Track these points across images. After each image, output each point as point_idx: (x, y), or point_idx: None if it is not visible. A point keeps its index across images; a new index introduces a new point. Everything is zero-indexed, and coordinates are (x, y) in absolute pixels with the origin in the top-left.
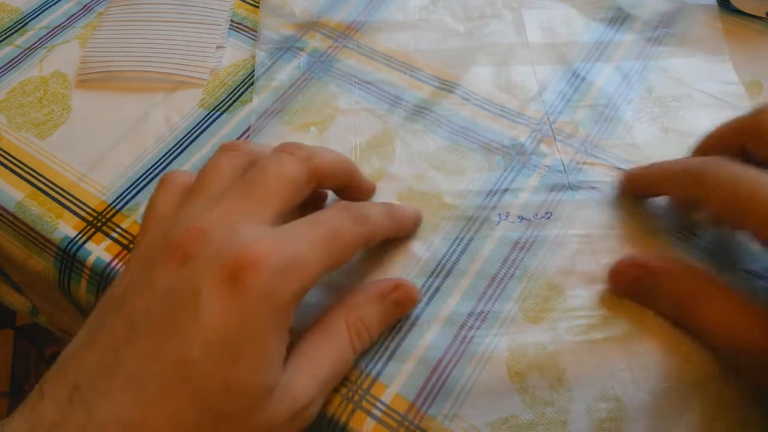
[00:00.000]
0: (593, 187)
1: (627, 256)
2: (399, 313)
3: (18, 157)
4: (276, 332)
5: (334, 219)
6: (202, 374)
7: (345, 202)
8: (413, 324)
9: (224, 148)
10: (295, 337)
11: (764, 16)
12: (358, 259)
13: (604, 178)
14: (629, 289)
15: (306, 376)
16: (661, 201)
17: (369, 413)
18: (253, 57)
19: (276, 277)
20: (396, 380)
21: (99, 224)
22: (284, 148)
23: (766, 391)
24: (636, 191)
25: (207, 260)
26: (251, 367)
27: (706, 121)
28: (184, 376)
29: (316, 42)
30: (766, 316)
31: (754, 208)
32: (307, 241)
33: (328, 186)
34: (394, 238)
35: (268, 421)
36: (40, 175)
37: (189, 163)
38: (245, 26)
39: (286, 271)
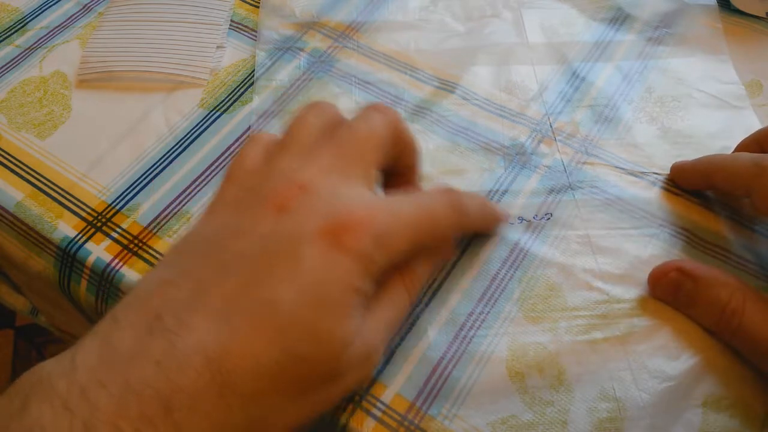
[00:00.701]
0: (593, 187)
1: (669, 260)
2: (440, 258)
3: (18, 157)
4: (362, 291)
5: (435, 203)
6: (291, 317)
7: (447, 187)
8: (413, 324)
9: (311, 106)
10: None
11: (764, 16)
12: None
13: (605, 177)
14: (668, 292)
15: (372, 325)
16: (658, 200)
17: (369, 413)
18: (253, 57)
19: (372, 243)
20: (396, 380)
21: (99, 224)
22: (375, 107)
23: None
24: (689, 183)
25: (309, 214)
26: (336, 319)
27: (706, 121)
28: (272, 316)
29: (316, 42)
30: None
31: None
32: (407, 217)
33: (401, 154)
34: (481, 232)
35: (342, 368)
36: (40, 175)
37: (190, 164)
38: (245, 26)
39: (383, 241)
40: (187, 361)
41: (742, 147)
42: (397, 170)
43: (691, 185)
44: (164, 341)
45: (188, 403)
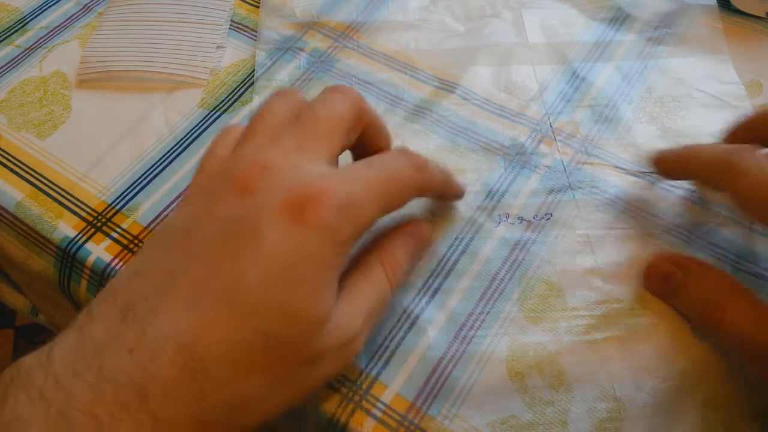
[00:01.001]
0: (593, 187)
1: (662, 253)
2: (423, 249)
3: (18, 157)
4: (332, 265)
5: (393, 162)
6: (258, 297)
7: (403, 148)
8: (413, 324)
9: (276, 94)
10: None
11: (764, 16)
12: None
13: (605, 177)
14: (660, 284)
15: (351, 309)
16: (658, 200)
17: (369, 413)
18: (253, 57)
19: (336, 214)
20: (396, 380)
21: (99, 224)
22: (335, 89)
23: None
24: (667, 172)
25: (270, 193)
26: (307, 295)
27: (706, 121)
28: (241, 298)
29: (316, 42)
30: None
31: None
32: (366, 182)
33: (369, 136)
34: (441, 197)
35: (318, 349)
36: (40, 175)
37: (189, 164)
38: (245, 26)
39: (346, 209)
40: (159, 348)
41: (732, 136)
42: (369, 152)
43: (670, 173)
44: (136, 330)
45: (162, 390)
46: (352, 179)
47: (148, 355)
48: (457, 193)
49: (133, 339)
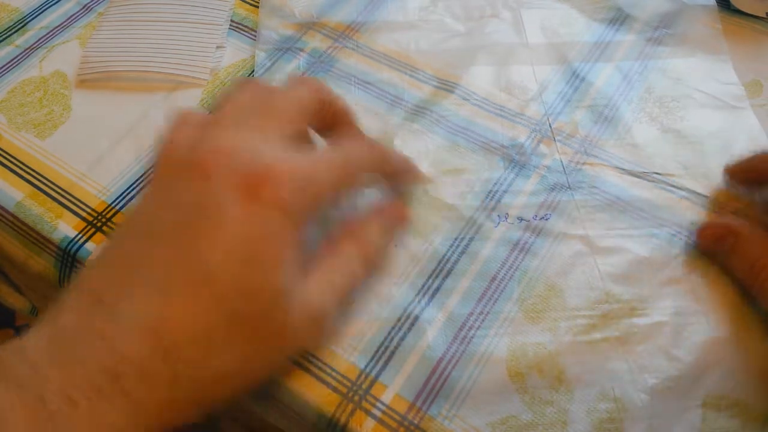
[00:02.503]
0: (593, 187)
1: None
2: (395, 228)
3: (18, 157)
4: (289, 241)
5: (347, 142)
6: (222, 277)
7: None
8: (413, 324)
9: (240, 84)
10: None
11: (764, 16)
12: None
13: (604, 178)
14: (712, 244)
15: (319, 285)
16: (658, 200)
17: (369, 413)
18: (253, 57)
19: (290, 191)
20: (396, 380)
21: (99, 224)
22: (299, 79)
23: None
24: (744, 181)
25: (229, 175)
26: (265, 270)
27: (705, 121)
28: (205, 280)
29: (315, 42)
30: None
31: None
32: (319, 160)
33: (338, 120)
34: (397, 179)
35: (285, 325)
36: (40, 175)
37: None
38: (245, 26)
39: (299, 187)
40: (130, 333)
41: (735, 172)
42: (337, 130)
43: (747, 182)
44: (105, 316)
45: (135, 373)
46: (305, 159)
47: (119, 340)
48: (415, 175)
49: (103, 325)
